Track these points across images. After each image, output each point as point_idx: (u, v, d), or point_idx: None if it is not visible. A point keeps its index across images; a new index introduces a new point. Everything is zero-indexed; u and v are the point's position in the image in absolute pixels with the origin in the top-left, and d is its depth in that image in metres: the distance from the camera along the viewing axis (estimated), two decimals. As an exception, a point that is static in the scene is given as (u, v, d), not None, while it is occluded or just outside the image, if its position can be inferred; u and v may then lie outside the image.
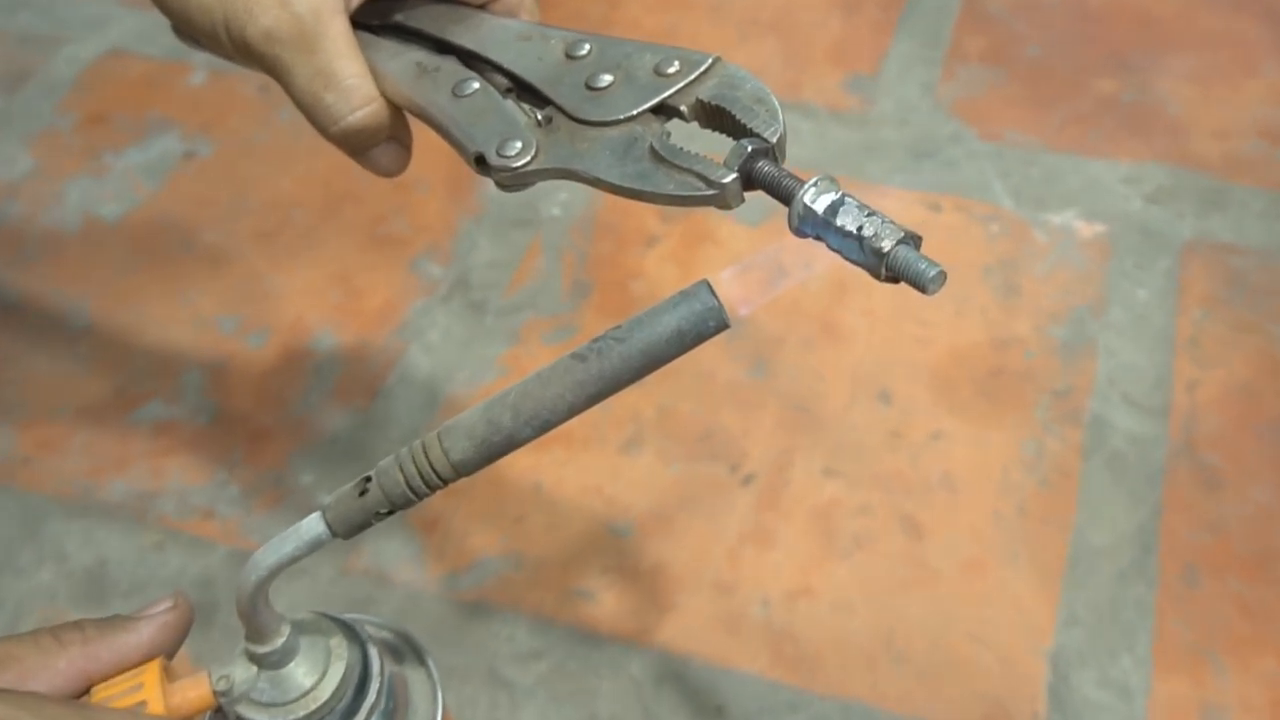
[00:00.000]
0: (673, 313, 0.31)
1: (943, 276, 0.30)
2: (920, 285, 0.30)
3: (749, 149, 0.34)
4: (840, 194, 0.32)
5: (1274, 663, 0.54)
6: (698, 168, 0.34)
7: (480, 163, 0.38)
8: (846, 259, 0.32)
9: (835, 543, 0.59)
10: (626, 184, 0.35)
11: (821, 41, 0.85)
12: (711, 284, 0.31)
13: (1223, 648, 0.55)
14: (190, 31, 0.41)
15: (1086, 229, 0.72)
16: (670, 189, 0.35)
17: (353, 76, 0.39)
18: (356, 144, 0.41)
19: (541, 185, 0.38)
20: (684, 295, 0.31)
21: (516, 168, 0.37)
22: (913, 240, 0.31)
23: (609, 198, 0.39)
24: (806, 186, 0.32)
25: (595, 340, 0.31)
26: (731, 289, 0.32)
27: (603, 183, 0.36)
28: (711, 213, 0.63)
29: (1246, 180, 0.73)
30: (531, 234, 0.74)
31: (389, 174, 0.43)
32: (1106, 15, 0.85)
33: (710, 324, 0.31)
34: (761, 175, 0.34)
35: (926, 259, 0.30)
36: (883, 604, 0.57)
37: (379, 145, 0.41)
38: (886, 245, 0.30)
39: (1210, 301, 0.68)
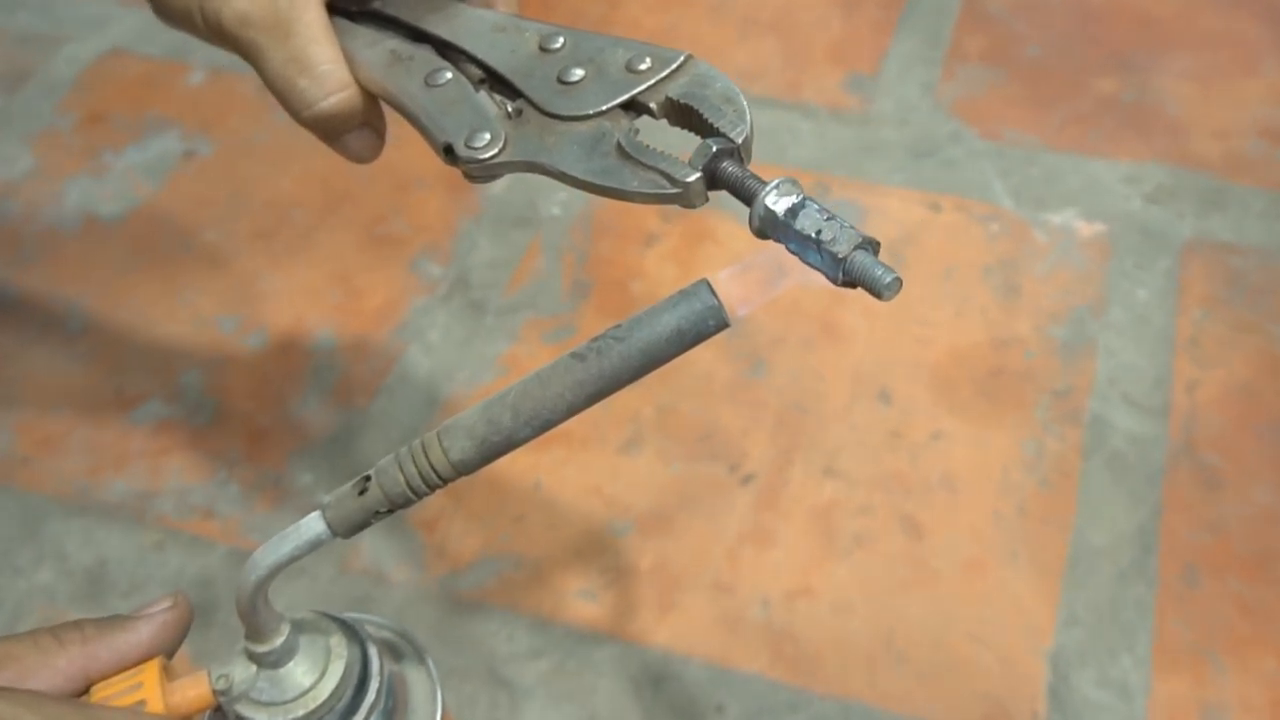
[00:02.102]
0: (672, 312, 0.31)
1: (898, 283, 0.30)
2: (875, 291, 0.30)
3: (714, 149, 0.34)
4: (801, 197, 0.32)
5: (1274, 663, 0.54)
6: (662, 166, 0.34)
7: (448, 153, 0.38)
8: (805, 263, 0.32)
9: (835, 543, 0.59)
10: (591, 179, 0.35)
11: (821, 41, 0.85)
12: (711, 283, 0.31)
13: (1223, 648, 0.55)
14: (167, 12, 0.41)
15: (1086, 229, 0.72)
16: (634, 185, 0.35)
17: (327, 62, 0.39)
18: (329, 129, 0.41)
19: (541, 184, 0.38)
20: (684, 294, 0.31)
21: (484, 159, 0.37)
22: (870, 246, 0.31)
23: (609, 198, 0.39)
24: (768, 188, 0.32)
25: (595, 340, 0.31)
26: (731, 288, 0.32)
27: (568, 177, 0.36)
28: (711, 211, 0.63)
29: (1246, 180, 0.73)
30: (531, 233, 0.74)
31: (361, 160, 0.43)
32: (1106, 15, 0.85)
33: (710, 323, 0.31)
34: (725, 175, 0.34)
35: (883, 265, 0.30)
36: (883, 604, 0.57)
37: (352, 131, 0.41)
38: (843, 250, 0.30)
39: (1210, 301, 0.68)
